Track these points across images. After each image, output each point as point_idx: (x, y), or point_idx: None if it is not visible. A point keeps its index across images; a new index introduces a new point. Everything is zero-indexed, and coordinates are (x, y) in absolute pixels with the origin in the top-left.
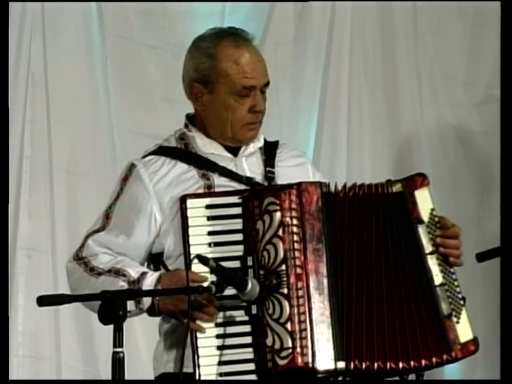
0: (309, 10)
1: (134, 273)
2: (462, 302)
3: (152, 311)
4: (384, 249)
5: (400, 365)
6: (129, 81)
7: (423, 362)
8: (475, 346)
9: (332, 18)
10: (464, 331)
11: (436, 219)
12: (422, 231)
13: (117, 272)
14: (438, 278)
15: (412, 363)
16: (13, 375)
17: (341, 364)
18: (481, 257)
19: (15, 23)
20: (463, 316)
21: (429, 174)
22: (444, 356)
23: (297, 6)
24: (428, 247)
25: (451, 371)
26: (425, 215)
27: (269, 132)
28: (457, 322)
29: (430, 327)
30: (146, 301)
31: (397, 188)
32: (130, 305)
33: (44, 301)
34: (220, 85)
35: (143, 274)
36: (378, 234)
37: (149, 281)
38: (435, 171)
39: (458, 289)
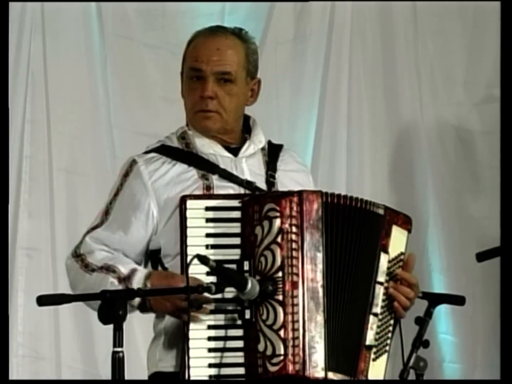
0: (308, 10)
1: (124, 269)
2: (387, 347)
3: (143, 308)
4: (351, 262)
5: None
6: (129, 81)
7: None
8: None
9: (332, 18)
10: (376, 371)
11: (401, 263)
12: (383, 259)
13: (108, 269)
14: (376, 308)
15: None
16: (13, 374)
17: (332, 374)
18: (481, 257)
19: (15, 23)
20: (382, 360)
21: (429, 174)
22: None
23: (296, 6)
24: (381, 276)
25: (451, 371)
26: (393, 251)
27: (269, 132)
28: (374, 359)
29: (349, 348)
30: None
31: (379, 210)
32: None
33: (44, 300)
34: (184, 71)
35: (134, 271)
36: (341, 247)
37: (138, 278)
38: (435, 171)
39: (389, 334)
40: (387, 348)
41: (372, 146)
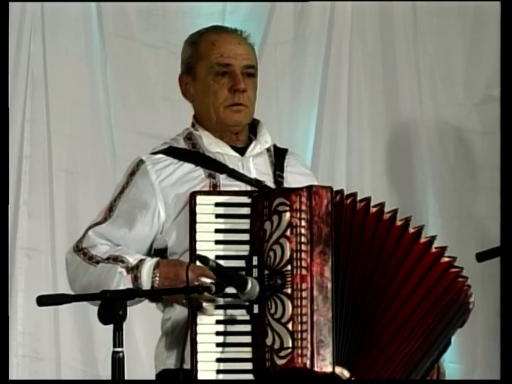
0: (308, 10)
1: (132, 259)
2: None
3: (150, 290)
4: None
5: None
6: (129, 81)
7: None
8: None
9: (332, 18)
10: None
11: None
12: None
13: (115, 259)
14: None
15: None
16: (13, 374)
17: (339, 369)
18: (481, 257)
19: (15, 23)
20: None
21: (429, 174)
22: None
23: (297, 6)
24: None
25: (451, 371)
26: None
27: (269, 132)
28: None
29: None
30: (147, 279)
31: (470, 302)
32: (127, 282)
33: (43, 300)
34: (199, 68)
35: (142, 260)
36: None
37: (148, 266)
38: (435, 171)
39: None
40: None
41: (372, 146)
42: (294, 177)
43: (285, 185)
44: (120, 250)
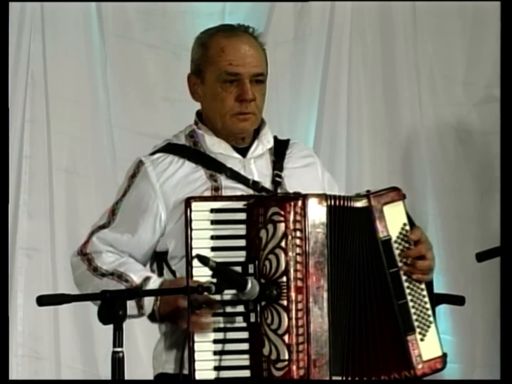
0: (308, 10)
1: (136, 278)
2: (430, 318)
3: (153, 317)
4: (351, 266)
5: (365, 379)
6: (129, 81)
7: (382, 377)
8: (442, 364)
9: (332, 17)
10: (429, 348)
11: (408, 232)
12: (387, 247)
13: (120, 277)
14: (401, 295)
15: (373, 378)
16: (13, 374)
17: (337, 379)
18: (481, 256)
19: (15, 23)
20: (431, 332)
21: (429, 174)
22: (403, 373)
23: (296, 5)
24: (393, 263)
25: (450, 371)
26: (394, 230)
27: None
28: (422, 339)
29: (391, 344)
30: (148, 306)
31: (362, 203)
32: (132, 309)
33: (43, 300)
34: (209, 73)
35: (146, 279)
36: (345, 250)
37: (152, 287)
38: (435, 171)
39: (427, 305)
40: (430, 318)
41: (372, 146)
42: (296, 172)
43: (285, 183)
44: (125, 264)
